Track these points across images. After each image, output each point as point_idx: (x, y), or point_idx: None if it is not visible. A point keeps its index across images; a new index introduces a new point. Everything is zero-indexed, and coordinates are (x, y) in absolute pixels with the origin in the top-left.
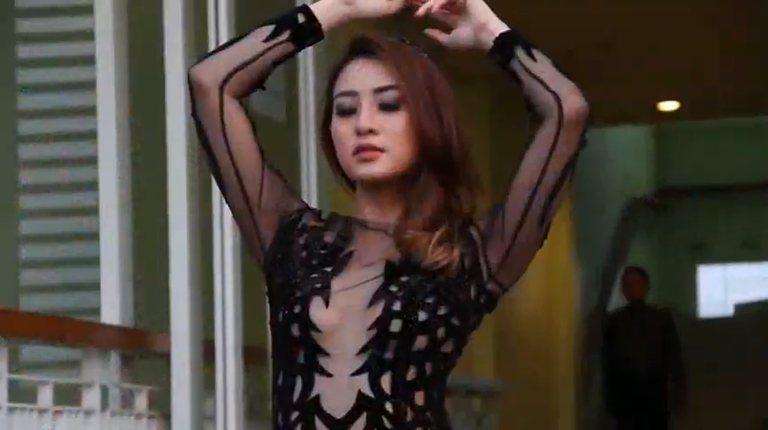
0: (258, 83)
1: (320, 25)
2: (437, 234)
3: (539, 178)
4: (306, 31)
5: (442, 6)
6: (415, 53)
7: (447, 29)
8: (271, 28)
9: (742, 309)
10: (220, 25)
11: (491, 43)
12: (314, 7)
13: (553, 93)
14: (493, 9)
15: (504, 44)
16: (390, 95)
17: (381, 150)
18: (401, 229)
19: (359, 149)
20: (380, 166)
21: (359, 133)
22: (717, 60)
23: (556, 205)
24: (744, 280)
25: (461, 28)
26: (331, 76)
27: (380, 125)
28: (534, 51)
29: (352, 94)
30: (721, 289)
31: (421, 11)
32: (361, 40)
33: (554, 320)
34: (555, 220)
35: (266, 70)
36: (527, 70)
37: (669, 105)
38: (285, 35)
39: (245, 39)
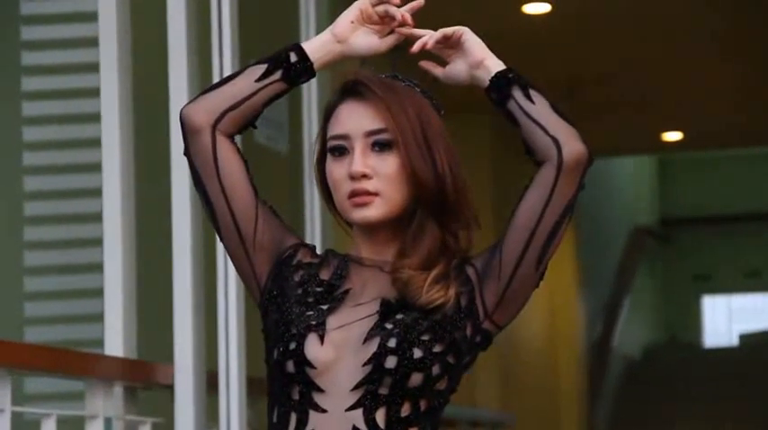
0: (250, 121)
1: (312, 64)
2: (433, 272)
3: (537, 221)
4: (298, 70)
5: (438, 41)
6: (408, 90)
7: (443, 62)
8: (263, 67)
9: (746, 338)
10: (224, 59)
11: (487, 81)
12: (306, 46)
13: (552, 137)
14: (496, 43)
15: (500, 84)
16: (382, 138)
17: (375, 194)
18: (397, 268)
19: (353, 194)
20: (375, 211)
21: (352, 178)
22: (721, 91)
23: (554, 247)
24: (748, 310)
25: (457, 63)
26: (324, 116)
27: (373, 169)
28: (532, 92)
29: (345, 137)
30: (726, 319)
31: (416, 47)
32: (352, 81)
33: (558, 352)
34: (559, 251)
35: (259, 109)
36: (525, 112)
37: (673, 136)
38: (277, 74)
39: (238, 78)
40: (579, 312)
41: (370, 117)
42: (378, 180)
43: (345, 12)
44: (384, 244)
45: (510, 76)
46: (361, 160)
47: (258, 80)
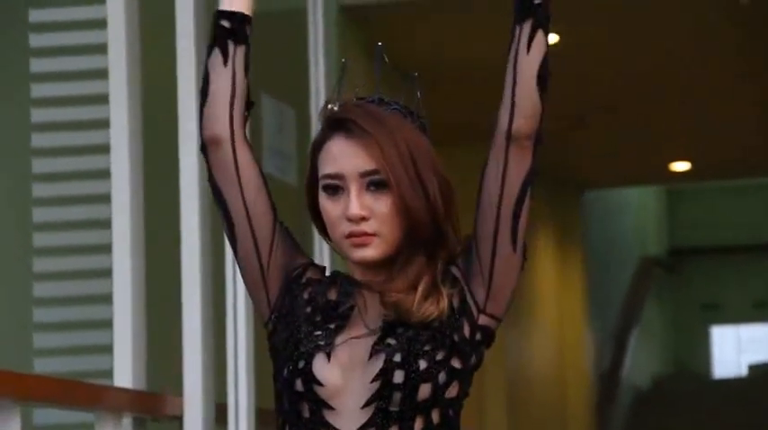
0: (248, 102)
1: (242, 14)
2: (420, 289)
3: (498, 200)
4: (237, 27)
5: None
6: (395, 118)
7: None
8: (216, 51)
9: (756, 369)
10: None
11: None
12: (223, 6)
13: (513, 103)
14: (502, 73)
15: (522, 5)
16: (376, 178)
17: (374, 235)
18: (385, 293)
19: (351, 235)
20: (374, 251)
21: (350, 219)
22: (728, 121)
23: (523, 224)
24: (757, 340)
25: None
26: (313, 149)
27: (370, 209)
28: (538, 36)
29: (339, 176)
30: (734, 349)
31: None
32: (338, 119)
33: (567, 382)
34: (567, 281)
35: (245, 85)
36: (516, 50)
37: (681, 166)
38: (230, 45)
39: (211, 77)
40: (588, 342)
41: (362, 157)
42: (375, 220)
43: None
44: (375, 273)
45: (536, 2)
46: (357, 202)
47: (224, 62)
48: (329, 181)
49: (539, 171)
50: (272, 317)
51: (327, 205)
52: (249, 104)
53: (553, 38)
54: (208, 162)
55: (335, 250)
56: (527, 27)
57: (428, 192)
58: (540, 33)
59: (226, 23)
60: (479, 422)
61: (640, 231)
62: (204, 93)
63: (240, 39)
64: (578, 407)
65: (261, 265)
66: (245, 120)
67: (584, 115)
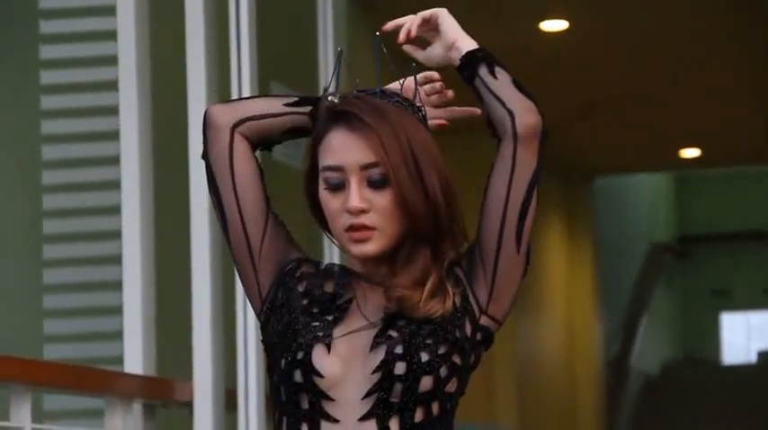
0: (267, 140)
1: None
2: (427, 287)
3: (505, 202)
4: (314, 107)
5: (420, 26)
6: (395, 112)
7: (424, 44)
8: (294, 98)
9: (765, 356)
10: (242, 49)
11: (458, 61)
12: (330, 93)
13: (508, 110)
14: (512, 60)
15: (468, 63)
16: (376, 172)
17: (373, 229)
18: (390, 288)
19: (351, 228)
20: (373, 245)
21: (349, 212)
22: (739, 107)
23: (528, 227)
24: (767, 327)
25: (435, 46)
26: (313, 140)
27: (370, 202)
28: (497, 69)
29: (339, 169)
30: (744, 336)
31: (402, 37)
32: (340, 111)
33: (576, 369)
34: (577, 268)
35: (277, 132)
36: (487, 88)
37: (691, 152)
38: (306, 108)
39: (268, 97)
40: (597, 329)
41: (363, 150)
42: (375, 214)
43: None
44: (376, 265)
45: (479, 54)
46: (357, 195)
47: (286, 105)
48: (329, 173)
49: (543, 172)
50: (264, 309)
51: (327, 198)
52: (262, 142)
53: (562, 25)
54: (204, 135)
55: (333, 241)
56: (483, 70)
57: (427, 187)
58: (496, 67)
59: (316, 100)
60: (490, 408)
61: (650, 218)
62: (251, 96)
63: (308, 106)
64: (588, 393)
65: (251, 254)
66: (249, 137)
67: (594, 102)
